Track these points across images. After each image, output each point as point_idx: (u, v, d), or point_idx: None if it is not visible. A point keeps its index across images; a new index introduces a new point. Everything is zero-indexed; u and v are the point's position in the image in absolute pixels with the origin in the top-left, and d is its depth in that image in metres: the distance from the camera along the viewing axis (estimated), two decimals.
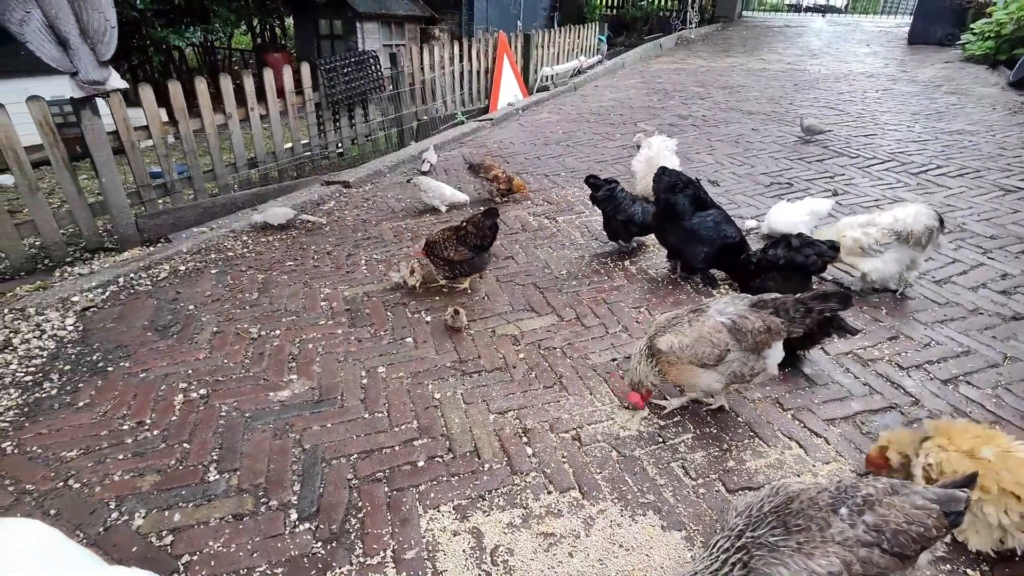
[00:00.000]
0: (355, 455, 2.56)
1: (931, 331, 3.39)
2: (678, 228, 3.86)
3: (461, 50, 8.95)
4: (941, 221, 3.48)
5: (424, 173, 6.26)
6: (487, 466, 2.50)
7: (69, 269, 4.56)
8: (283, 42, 13.62)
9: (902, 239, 3.47)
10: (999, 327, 3.41)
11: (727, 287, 3.98)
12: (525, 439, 2.64)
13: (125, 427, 2.73)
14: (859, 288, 3.77)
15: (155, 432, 2.70)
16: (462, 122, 8.63)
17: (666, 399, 2.84)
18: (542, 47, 11.30)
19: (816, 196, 4.73)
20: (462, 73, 9.11)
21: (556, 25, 14.35)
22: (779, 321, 2.40)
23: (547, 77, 11.03)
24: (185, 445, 2.62)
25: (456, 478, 2.44)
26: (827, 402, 2.85)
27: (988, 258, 4.18)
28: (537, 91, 10.73)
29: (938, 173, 5.93)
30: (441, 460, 2.53)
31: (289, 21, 13.44)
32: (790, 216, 4.33)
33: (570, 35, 12.54)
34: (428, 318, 3.62)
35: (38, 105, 4.24)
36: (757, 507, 1.74)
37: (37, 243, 4.90)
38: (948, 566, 2.05)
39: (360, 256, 4.47)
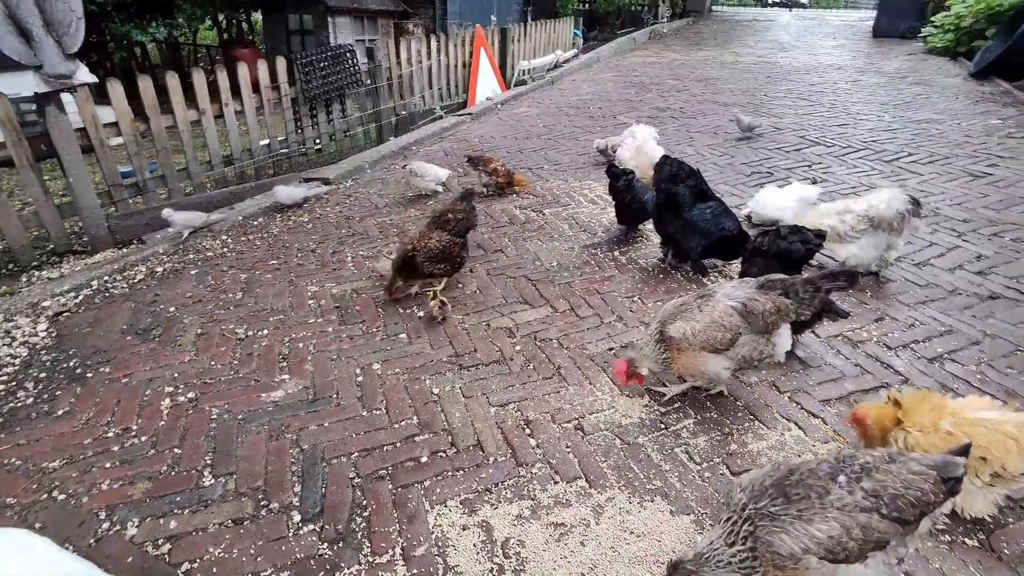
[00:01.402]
0: (356, 453, 2.50)
1: (914, 312, 3.48)
2: (678, 219, 3.85)
3: (438, 44, 8.85)
4: (917, 204, 3.56)
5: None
6: (492, 459, 2.47)
7: (37, 273, 4.35)
8: (251, 37, 13.28)
9: (875, 225, 3.56)
10: (977, 306, 3.52)
11: (717, 274, 4.02)
12: (528, 431, 2.62)
13: (110, 434, 2.61)
14: None
15: (143, 438, 2.59)
16: (440, 117, 8.53)
17: (666, 385, 2.85)
18: (518, 41, 11.27)
19: (802, 183, 4.80)
20: (440, 67, 9.02)
21: (530, 19, 14.31)
22: (788, 302, 2.43)
23: (525, 71, 11.00)
24: (176, 450, 2.52)
25: (461, 472, 2.40)
26: (821, 383, 2.90)
27: (963, 240, 4.32)
28: (515, 85, 10.69)
29: (910, 160, 6.10)
30: (444, 455, 2.49)
31: (257, 16, 13.11)
32: (777, 201, 4.40)
33: (546, 29, 12.53)
34: (420, 313, 3.56)
35: (0, 101, 4.02)
36: (759, 482, 1.77)
37: (1, 247, 4.67)
38: (947, 536, 2.11)
39: (346, 253, 4.37)
